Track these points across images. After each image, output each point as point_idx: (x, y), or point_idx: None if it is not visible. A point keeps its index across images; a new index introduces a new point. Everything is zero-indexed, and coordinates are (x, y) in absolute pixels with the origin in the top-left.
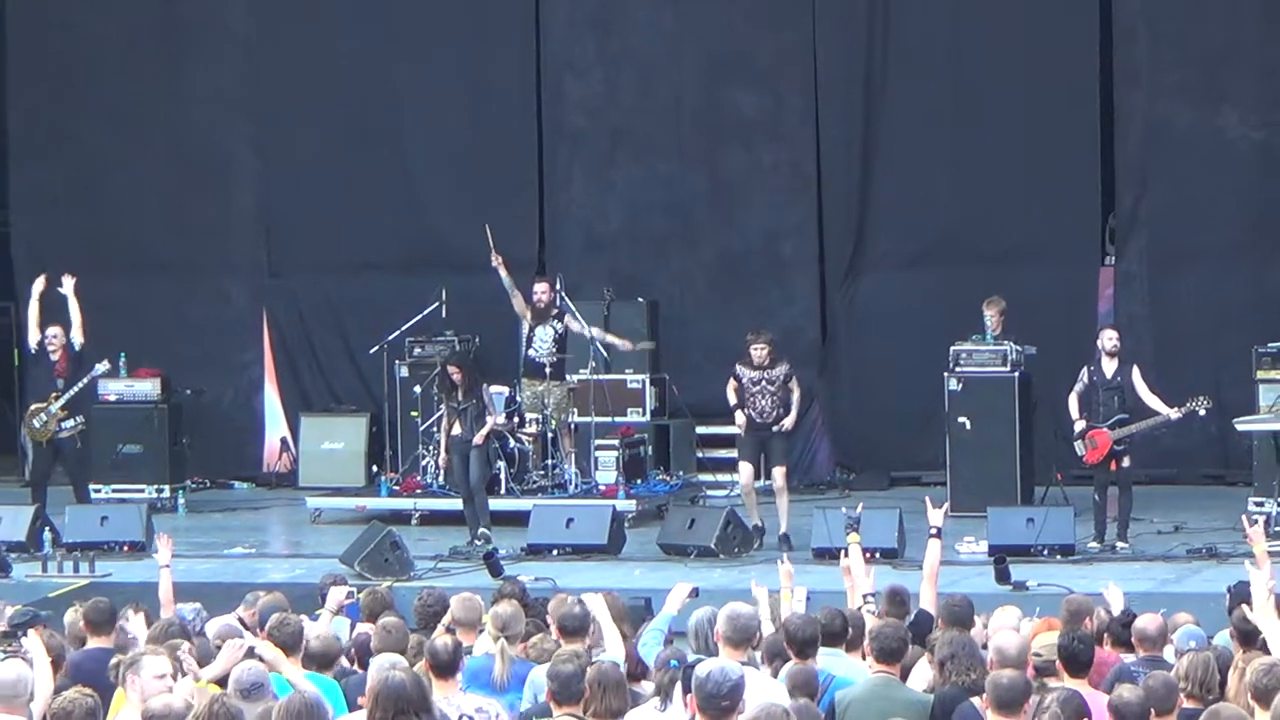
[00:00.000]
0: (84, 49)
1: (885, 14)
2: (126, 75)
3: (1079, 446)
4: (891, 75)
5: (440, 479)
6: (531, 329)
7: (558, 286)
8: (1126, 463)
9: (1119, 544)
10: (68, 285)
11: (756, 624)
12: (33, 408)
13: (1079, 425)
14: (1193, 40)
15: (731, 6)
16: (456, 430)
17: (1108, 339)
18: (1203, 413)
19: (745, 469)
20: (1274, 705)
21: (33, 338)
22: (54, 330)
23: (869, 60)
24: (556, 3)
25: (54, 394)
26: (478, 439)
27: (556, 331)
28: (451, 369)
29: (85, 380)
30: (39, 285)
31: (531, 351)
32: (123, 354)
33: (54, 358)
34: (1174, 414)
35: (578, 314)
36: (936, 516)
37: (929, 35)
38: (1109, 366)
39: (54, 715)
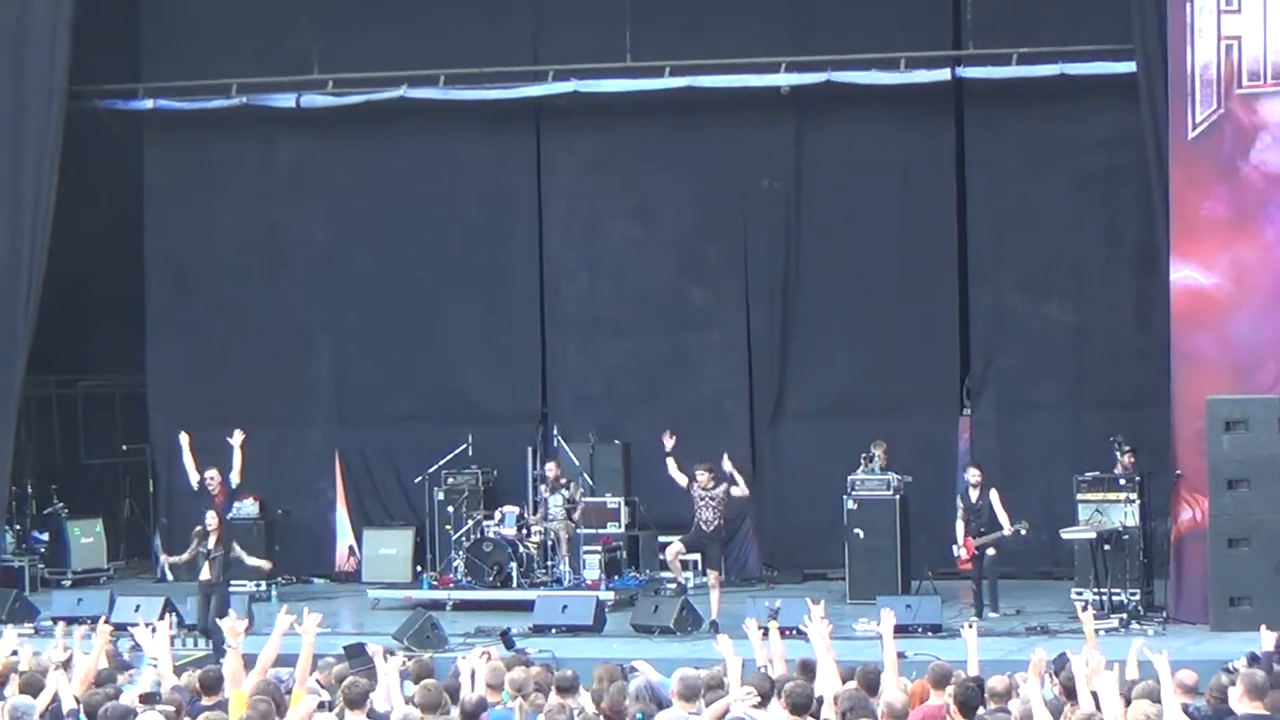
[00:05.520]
0: (204, 254)
1: (798, 229)
2: (235, 274)
3: (955, 550)
4: (803, 275)
5: (465, 577)
6: (546, 497)
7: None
8: (991, 552)
9: (992, 613)
10: (237, 439)
11: (700, 684)
12: (196, 529)
13: (959, 537)
14: (1025, 250)
15: (685, 223)
16: (206, 575)
17: (971, 475)
18: (1024, 532)
19: (678, 544)
20: None
21: (193, 478)
22: (212, 472)
23: (786, 261)
24: (554, 222)
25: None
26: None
27: (565, 498)
28: (209, 517)
29: (234, 512)
30: (185, 439)
31: (550, 512)
32: (232, 483)
33: (213, 492)
34: (1007, 532)
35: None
36: (818, 611)
37: (830, 245)
38: (974, 494)
39: None
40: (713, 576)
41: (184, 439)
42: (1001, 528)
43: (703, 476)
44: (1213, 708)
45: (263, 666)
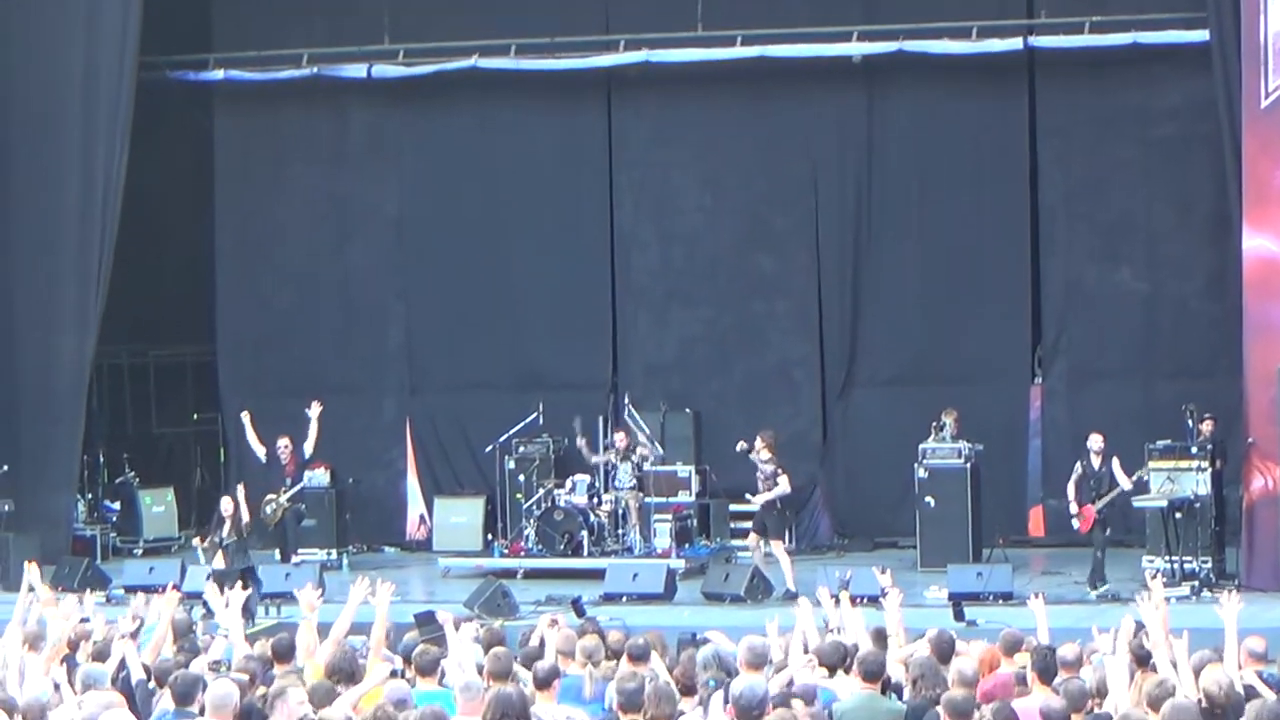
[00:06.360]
0: (274, 224)
1: (869, 196)
2: (306, 244)
3: (1074, 523)
4: (874, 241)
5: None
6: (615, 467)
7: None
8: (1109, 531)
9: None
10: (314, 410)
11: (768, 651)
12: (267, 498)
13: (1074, 506)
14: (1096, 218)
15: (756, 192)
16: (219, 563)
17: (1094, 442)
18: (1147, 478)
19: (751, 536)
20: (1162, 710)
21: (259, 453)
22: (284, 441)
23: (856, 230)
24: (625, 191)
25: (282, 489)
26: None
27: (634, 466)
28: (224, 503)
29: (305, 481)
30: (246, 418)
31: (615, 484)
32: (303, 451)
33: (284, 461)
34: (1128, 486)
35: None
36: (885, 580)
37: (902, 212)
38: (1095, 461)
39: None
40: (776, 546)
41: (245, 418)
42: (1118, 486)
43: (757, 444)
44: None
45: (336, 636)
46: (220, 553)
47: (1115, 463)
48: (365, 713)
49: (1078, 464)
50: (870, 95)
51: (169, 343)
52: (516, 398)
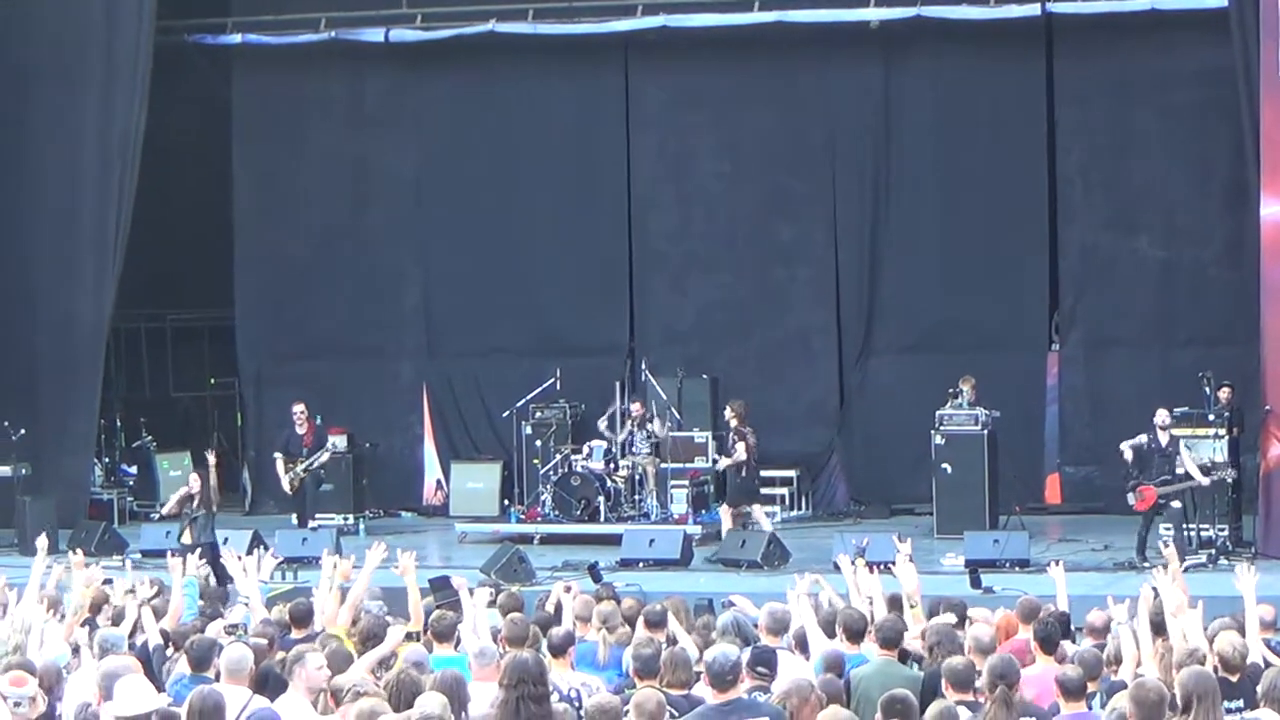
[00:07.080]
0: (292, 189)
1: (887, 162)
2: (324, 208)
3: (1130, 497)
4: (891, 211)
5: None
6: (630, 434)
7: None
8: (1176, 504)
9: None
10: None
11: (789, 618)
12: (286, 465)
13: (1132, 481)
14: (1115, 186)
15: (774, 159)
16: (186, 539)
17: (1162, 417)
18: (1229, 480)
19: (754, 509)
20: (1179, 675)
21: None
22: (299, 407)
23: (875, 200)
24: (642, 157)
25: (300, 458)
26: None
27: (649, 434)
28: (192, 479)
29: (324, 451)
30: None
31: (632, 450)
32: (319, 416)
33: (300, 431)
34: (1205, 481)
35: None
36: (905, 549)
37: (919, 181)
38: (1163, 438)
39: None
40: (722, 510)
41: (279, 462)
42: (1191, 477)
43: (727, 411)
44: None
45: (354, 600)
46: (188, 527)
47: (1184, 450)
48: (387, 676)
49: (1143, 435)
50: (888, 61)
51: (186, 306)
52: (534, 363)
